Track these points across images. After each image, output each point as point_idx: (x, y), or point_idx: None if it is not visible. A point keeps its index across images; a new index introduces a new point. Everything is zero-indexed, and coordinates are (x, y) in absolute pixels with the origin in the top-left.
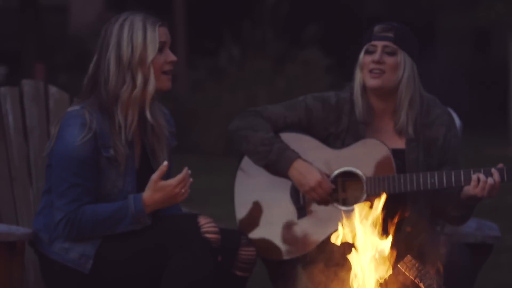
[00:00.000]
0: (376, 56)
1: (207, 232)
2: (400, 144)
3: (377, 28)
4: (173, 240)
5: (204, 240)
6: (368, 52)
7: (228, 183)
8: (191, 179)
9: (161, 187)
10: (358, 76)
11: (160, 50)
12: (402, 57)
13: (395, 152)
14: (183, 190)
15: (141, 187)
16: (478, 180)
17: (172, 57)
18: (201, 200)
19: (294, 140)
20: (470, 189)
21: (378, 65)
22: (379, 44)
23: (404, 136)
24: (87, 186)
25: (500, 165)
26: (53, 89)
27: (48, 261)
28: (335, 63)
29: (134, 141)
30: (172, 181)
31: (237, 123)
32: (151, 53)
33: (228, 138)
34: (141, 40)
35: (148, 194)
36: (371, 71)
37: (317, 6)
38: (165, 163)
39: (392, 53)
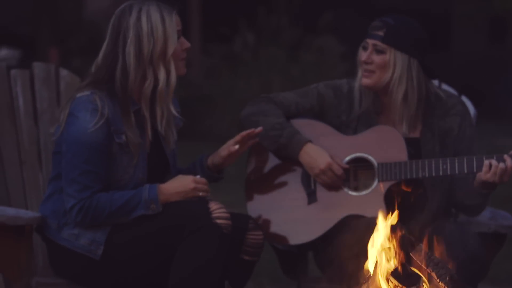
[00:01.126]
0: (364, 56)
1: (218, 217)
2: (414, 133)
3: (371, 25)
4: (183, 224)
5: (214, 225)
6: (363, 48)
7: (240, 170)
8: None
9: (180, 177)
10: (358, 72)
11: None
12: (392, 56)
13: (409, 141)
14: (200, 189)
15: (152, 171)
16: (490, 165)
17: (187, 44)
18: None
19: (305, 125)
20: (482, 175)
21: (368, 64)
22: (370, 42)
23: (418, 127)
24: (98, 173)
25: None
26: (64, 72)
27: (56, 247)
28: (350, 51)
29: (144, 127)
30: (191, 176)
31: (249, 109)
32: (171, 45)
33: (241, 125)
34: (161, 33)
35: (166, 184)
36: (364, 69)
37: None
38: (236, 146)
39: (381, 52)
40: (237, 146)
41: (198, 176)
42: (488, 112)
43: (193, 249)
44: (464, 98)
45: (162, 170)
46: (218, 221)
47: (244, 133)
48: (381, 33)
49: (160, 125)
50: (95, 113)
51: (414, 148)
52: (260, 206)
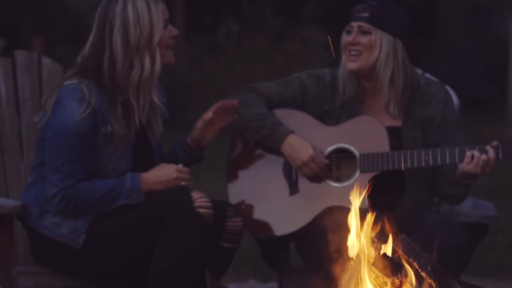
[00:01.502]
0: (350, 37)
1: (200, 206)
2: (396, 122)
3: (355, 8)
4: (165, 213)
5: (196, 214)
6: (347, 33)
7: (223, 159)
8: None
9: (162, 166)
10: (343, 57)
11: (164, 27)
12: (378, 36)
13: (391, 130)
14: (182, 178)
15: (136, 161)
16: (472, 156)
17: (174, 31)
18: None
19: (288, 116)
20: (464, 166)
21: (354, 46)
22: (355, 24)
23: (398, 115)
24: (82, 162)
25: (495, 143)
26: (46, 60)
27: (37, 235)
28: (334, 40)
29: (131, 117)
30: (173, 165)
31: (231, 98)
32: (157, 33)
33: None
34: (147, 21)
35: (148, 173)
36: (349, 53)
37: None
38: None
39: (367, 32)
40: (210, 114)
41: (180, 165)
42: (472, 103)
43: (174, 238)
44: (448, 88)
45: (147, 161)
46: (200, 210)
47: (219, 103)
48: (365, 15)
49: (142, 113)
50: (82, 102)
51: (396, 137)
52: (242, 196)
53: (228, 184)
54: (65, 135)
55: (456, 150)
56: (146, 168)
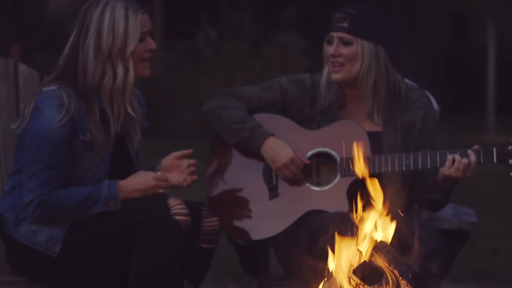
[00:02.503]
0: (331, 49)
1: (177, 213)
2: (376, 127)
3: (334, 17)
4: (143, 220)
5: (174, 221)
6: (328, 43)
7: (201, 166)
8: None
9: (140, 173)
10: (325, 67)
11: (141, 38)
12: (359, 46)
13: (372, 135)
14: (160, 186)
15: (114, 169)
16: (453, 160)
17: (152, 45)
18: None
19: (268, 120)
20: (445, 170)
21: (336, 58)
22: (335, 35)
23: (381, 123)
24: (60, 169)
25: (476, 147)
26: (22, 67)
27: (13, 243)
28: (312, 46)
29: (109, 125)
30: (151, 172)
31: (211, 102)
32: (131, 44)
33: (203, 121)
34: (122, 30)
35: (125, 180)
36: (332, 64)
37: None
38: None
39: (348, 43)
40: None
41: (159, 173)
42: (451, 109)
43: (151, 246)
44: (427, 94)
45: (125, 169)
46: (177, 217)
47: (177, 154)
48: (345, 24)
49: (117, 122)
50: (61, 108)
51: (376, 142)
52: (221, 200)
53: (207, 187)
54: (43, 142)
55: (438, 154)
56: (124, 176)
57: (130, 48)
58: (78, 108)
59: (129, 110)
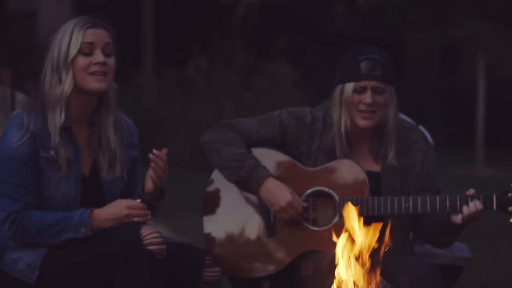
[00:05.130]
0: (368, 99)
1: (150, 243)
2: (375, 167)
3: (364, 66)
4: (117, 251)
5: (146, 252)
6: (356, 92)
7: (193, 195)
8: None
9: (115, 202)
10: (343, 110)
11: (87, 52)
12: (390, 93)
13: (370, 175)
14: (134, 214)
15: (89, 194)
16: (462, 211)
17: (98, 58)
18: (166, 212)
19: (266, 156)
20: (457, 218)
21: (370, 107)
22: (369, 84)
23: (381, 161)
24: (27, 186)
25: (471, 191)
26: (19, 96)
27: None
28: (303, 77)
29: (80, 147)
30: (125, 201)
31: (210, 135)
32: (72, 53)
33: (194, 150)
34: (66, 41)
35: (100, 209)
36: (361, 111)
37: (285, 20)
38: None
39: (382, 92)
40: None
41: (138, 200)
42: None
43: (125, 279)
44: (421, 128)
45: (99, 196)
46: (150, 247)
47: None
48: (379, 73)
49: (55, 131)
50: (21, 128)
51: (375, 182)
52: (218, 236)
53: (204, 222)
54: (7, 161)
55: (437, 199)
56: (100, 203)
57: (71, 56)
58: (40, 127)
59: (60, 119)
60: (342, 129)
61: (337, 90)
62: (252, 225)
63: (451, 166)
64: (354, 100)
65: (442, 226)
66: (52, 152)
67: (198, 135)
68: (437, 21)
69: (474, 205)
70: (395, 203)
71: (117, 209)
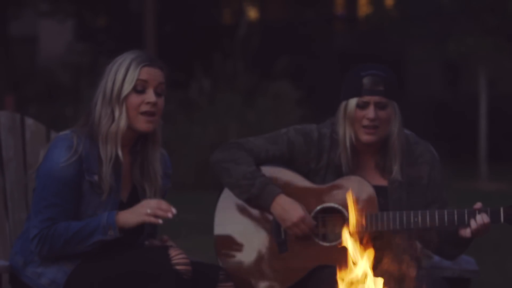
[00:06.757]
0: (370, 114)
1: (178, 263)
2: (382, 181)
3: (367, 81)
4: (144, 271)
5: (174, 272)
6: (359, 107)
7: (198, 215)
8: (169, 214)
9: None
10: (347, 126)
11: (140, 90)
12: (393, 108)
13: (377, 189)
14: (149, 211)
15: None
16: (470, 225)
17: (150, 99)
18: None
19: (276, 173)
20: (466, 232)
21: (373, 122)
22: (371, 99)
23: (387, 175)
24: (65, 207)
25: (479, 205)
26: (29, 121)
27: (20, 284)
28: (306, 95)
29: (123, 175)
30: (147, 203)
31: (219, 155)
32: (126, 89)
33: (198, 170)
34: (121, 76)
35: (124, 211)
36: (365, 126)
37: (287, 39)
38: (174, 211)
39: (385, 107)
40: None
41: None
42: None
43: None
44: (430, 147)
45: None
46: (178, 267)
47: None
48: (381, 88)
49: (108, 165)
50: (69, 149)
51: (383, 196)
52: (229, 251)
53: (215, 239)
54: (50, 180)
55: (445, 212)
56: (135, 229)
57: (124, 93)
58: (88, 151)
59: (119, 154)
60: (348, 144)
61: (341, 107)
62: (263, 242)
63: (455, 181)
64: (357, 115)
65: (450, 239)
66: (96, 177)
67: (202, 156)
68: (437, 37)
69: (482, 218)
70: (404, 217)
71: (139, 209)
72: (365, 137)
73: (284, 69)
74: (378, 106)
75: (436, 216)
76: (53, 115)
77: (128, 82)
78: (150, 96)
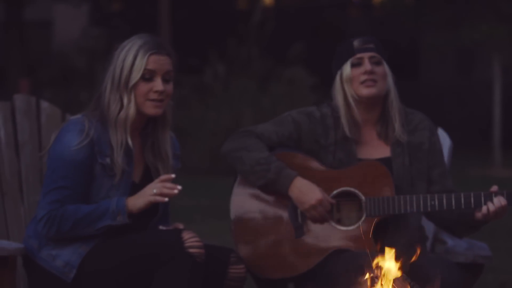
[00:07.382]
0: (367, 67)
1: (191, 246)
2: (386, 152)
3: (357, 42)
4: (157, 253)
5: (187, 254)
6: (354, 66)
7: (212, 200)
8: (175, 191)
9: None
10: (346, 90)
11: (148, 77)
12: (385, 66)
13: (383, 161)
14: (155, 191)
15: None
16: (488, 208)
17: (158, 87)
18: (186, 217)
19: (290, 158)
20: (481, 215)
21: (371, 75)
22: (365, 55)
23: (389, 141)
24: (74, 190)
25: (495, 188)
26: (45, 104)
27: (35, 266)
28: (320, 81)
29: (135, 158)
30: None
31: (230, 144)
32: (134, 78)
33: (212, 156)
34: (129, 64)
35: (132, 197)
36: (363, 82)
37: (302, 25)
38: (173, 175)
39: (379, 63)
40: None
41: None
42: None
43: (165, 280)
44: (441, 130)
45: (151, 210)
46: (191, 250)
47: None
48: (372, 46)
49: (119, 151)
50: (81, 133)
51: (388, 167)
52: (246, 238)
53: (232, 224)
54: (61, 163)
55: (462, 195)
56: (149, 218)
57: (132, 81)
58: (99, 134)
59: (129, 142)
60: (342, 104)
61: (337, 77)
62: (280, 226)
63: (468, 167)
64: (354, 74)
65: (463, 220)
66: (108, 160)
67: (216, 141)
68: (452, 23)
69: (499, 201)
70: (421, 201)
71: (146, 190)
72: (365, 91)
73: (298, 55)
74: (372, 61)
75: (453, 199)
76: (67, 99)
77: (136, 70)
78: (158, 84)
